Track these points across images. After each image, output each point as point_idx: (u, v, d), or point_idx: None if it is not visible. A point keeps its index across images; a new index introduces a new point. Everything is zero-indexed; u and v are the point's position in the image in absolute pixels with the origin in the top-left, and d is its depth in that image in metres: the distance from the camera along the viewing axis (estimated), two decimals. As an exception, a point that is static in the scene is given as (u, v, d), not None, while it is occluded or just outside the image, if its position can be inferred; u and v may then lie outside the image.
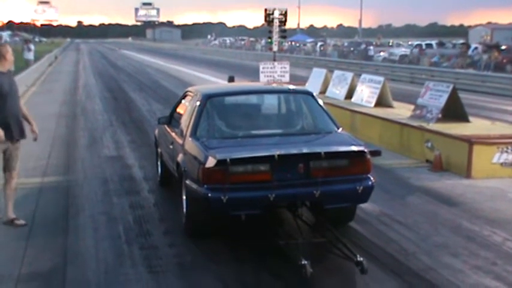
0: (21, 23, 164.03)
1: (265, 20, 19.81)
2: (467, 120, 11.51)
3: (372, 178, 6.48)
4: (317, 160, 6.20)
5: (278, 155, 6.07)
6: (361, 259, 5.51)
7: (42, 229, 7.15)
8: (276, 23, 19.70)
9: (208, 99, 7.32)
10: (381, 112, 12.96)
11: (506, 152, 9.61)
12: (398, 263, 6.09)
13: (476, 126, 11.06)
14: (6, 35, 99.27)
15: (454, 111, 11.55)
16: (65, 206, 8.13)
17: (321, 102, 7.61)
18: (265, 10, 19.44)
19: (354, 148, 6.46)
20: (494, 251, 6.43)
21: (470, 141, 9.64)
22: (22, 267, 5.96)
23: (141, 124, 15.61)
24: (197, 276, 5.80)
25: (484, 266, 6.01)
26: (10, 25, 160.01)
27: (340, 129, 7.20)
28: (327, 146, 6.48)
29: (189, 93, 8.13)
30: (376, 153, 6.68)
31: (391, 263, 6.10)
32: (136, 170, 10.25)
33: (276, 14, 19.53)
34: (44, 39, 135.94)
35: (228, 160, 5.99)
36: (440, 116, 11.40)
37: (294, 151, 6.30)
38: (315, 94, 7.82)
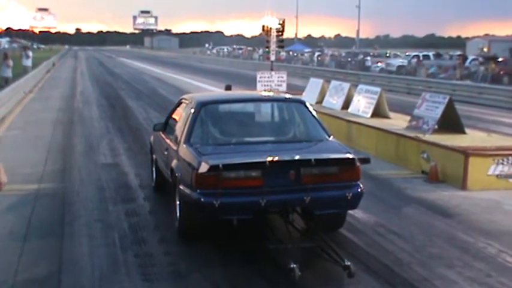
0: (20, 29, 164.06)
1: (263, 29, 19.91)
2: (463, 132, 11.53)
3: (361, 185, 6.62)
4: (308, 167, 6.32)
5: (269, 162, 6.19)
6: (349, 263, 5.64)
7: (37, 235, 7.15)
8: (274, 32, 19.79)
9: (203, 106, 7.42)
10: (377, 122, 12.99)
11: (502, 163, 9.63)
12: (393, 274, 6.09)
13: (472, 138, 11.08)
14: (4, 41, 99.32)
15: (450, 122, 11.57)
16: (61, 212, 8.13)
17: (312, 110, 7.70)
18: (263, 26, 19.59)
19: (344, 155, 6.60)
20: (489, 262, 6.45)
21: (466, 153, 9.66)
22: (17, 274, 5.95)
23: (137, 132, 15.61)
24: (191, 284, 5.80)
25: (478, 277, 6.02)
26: (8, 32, 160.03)
27: (331, 137, 7.29)
28: (318, 154, 6.66)
29: (184, 101, 8.22)
30: (365, 160, 6.77)
31: (386, 273, 6.11)
32: (132, 177, 10.25)
33: (274, 23, 19.63)
34: (42, 46, 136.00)
35: (221, 166, 6.10)
36: (436, 127, 11.41)
37: (286, 158, 6.42)
38: (307, 103, 7.90)
